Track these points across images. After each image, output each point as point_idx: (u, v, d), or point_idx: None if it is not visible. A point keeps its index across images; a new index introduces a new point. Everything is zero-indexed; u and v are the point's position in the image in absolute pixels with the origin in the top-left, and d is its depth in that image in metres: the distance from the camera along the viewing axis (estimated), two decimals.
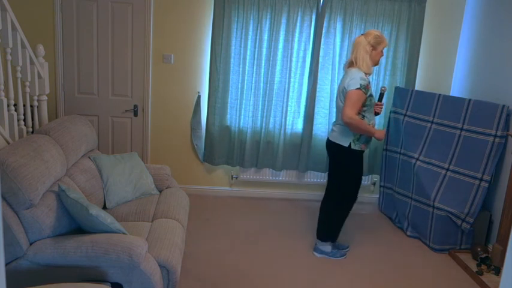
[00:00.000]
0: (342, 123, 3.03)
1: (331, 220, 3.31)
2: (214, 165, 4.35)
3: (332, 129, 3.21)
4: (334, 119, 3.20)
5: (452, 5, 4.23)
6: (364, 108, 3.04)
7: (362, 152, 3.14)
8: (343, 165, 3.17)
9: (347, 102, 2.96)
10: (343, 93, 3.03)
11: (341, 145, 3.08)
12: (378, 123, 4.29)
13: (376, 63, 3.13)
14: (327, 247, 3.34)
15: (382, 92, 3.25)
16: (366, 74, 3.05)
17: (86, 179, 2.86)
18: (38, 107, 3.28)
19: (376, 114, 3.23)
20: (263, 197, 4.53)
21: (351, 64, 3.10)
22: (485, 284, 3.03)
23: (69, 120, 3.03)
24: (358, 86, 2.94)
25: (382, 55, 3.12)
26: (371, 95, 3.06)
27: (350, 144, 3.07)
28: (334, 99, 4.18)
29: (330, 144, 3.18)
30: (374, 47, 3.05)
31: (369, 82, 3.05)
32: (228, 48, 4.07)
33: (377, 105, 3.22)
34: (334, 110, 4.20)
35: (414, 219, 3.79)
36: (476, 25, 4.05)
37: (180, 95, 4.27)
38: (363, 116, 3.06)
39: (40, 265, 2.16)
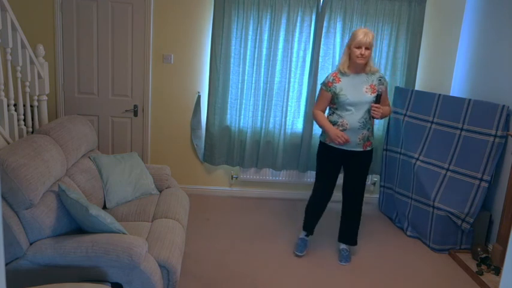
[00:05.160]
0: None
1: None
2: (214, 165, 4.35)
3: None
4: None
5: (452, 5, 4.23)
6: (335, 106, 3.11)
7: (328, 145, 3.15)
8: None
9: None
10: None
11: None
12: (377, 122, 4.27)
13: (355, 62, 3.02)
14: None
15: (379, 93, 3.04)
16: (341, 71, 3.09)
17: (86, 179, 2.86)
18: (38, 107, 3.28)
19: (373, 117, 3.07)
20: (263, 197, 4.53)
21: None
22: (485, 284, 3.03)
23: (69, 120, 3.03)
24: (321, 83, 3.20)
25: (358, 53, 2.97)
26: (336, 93, 3.05)
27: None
28: None
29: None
30: (349, 46, 3.06)
31: (333, 80, 3.07)
32: (228, 48, 4.07)
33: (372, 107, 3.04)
34: None
35: (414, 219, 3.79)
36: (476, 25, 4.05)
37: (180, 95, 4.27)
38: (333, 112, 3.15)
39: (40, 265, 2.16)
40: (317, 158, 3.27)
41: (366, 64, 3.06)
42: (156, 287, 2.21)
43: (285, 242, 3.52)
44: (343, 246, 3.37)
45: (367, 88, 3.05)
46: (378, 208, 4.40)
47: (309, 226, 3.41)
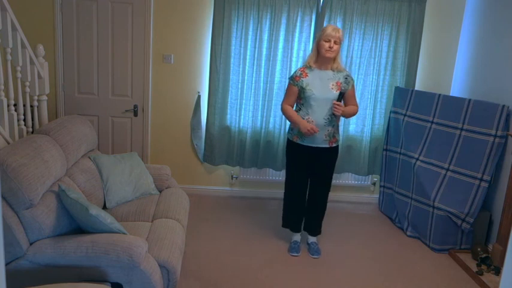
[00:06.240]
0: None
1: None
2: (214, 165, 4.35)
3: None
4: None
5: (452, 5, 4.23)
6: (301, 101, 3.15)
7: (296, 143, 3.18)
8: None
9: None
10: None
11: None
12: (378, 122, 4.28)
13: (323, 56, 3.06)
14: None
15: (342, 91, 3.09)
16: (307, 66, 3.14)
17: (86, 179, 2.86)
18: (38, 107, 3.28)
19: (334, 114, 3.08)
20: (263, 197, 4.53)
21: None
22: (485, 284, 3.03)
23: (69, 120, 3.03)
24: (288, 77, 3.23)
25: (327, 46, 3.01)
26: (303, 88, 3.09)
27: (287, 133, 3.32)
28: None
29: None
30: (318, 40, 3.09)
31: (301, 74, 3.12)
32: (228, 48, 4.07)
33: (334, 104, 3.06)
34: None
35: (414, 219, 3.79)
36: (476, 25, 4.05)
37: (180, 95, 4.27)
38: (299, 109, 3.17)
39: (40, 265, 2.16)
40: (286, 155, 3.33)
41: (333, 61, 3.11)
42: (156, 287, 2.22)
43: (284, 242, 3.52)
44: (312, 240, 3.44)
45: (333, 85, 3.10)
46: (378, 208, 4.40)
47: (297, 225, 3.43)
